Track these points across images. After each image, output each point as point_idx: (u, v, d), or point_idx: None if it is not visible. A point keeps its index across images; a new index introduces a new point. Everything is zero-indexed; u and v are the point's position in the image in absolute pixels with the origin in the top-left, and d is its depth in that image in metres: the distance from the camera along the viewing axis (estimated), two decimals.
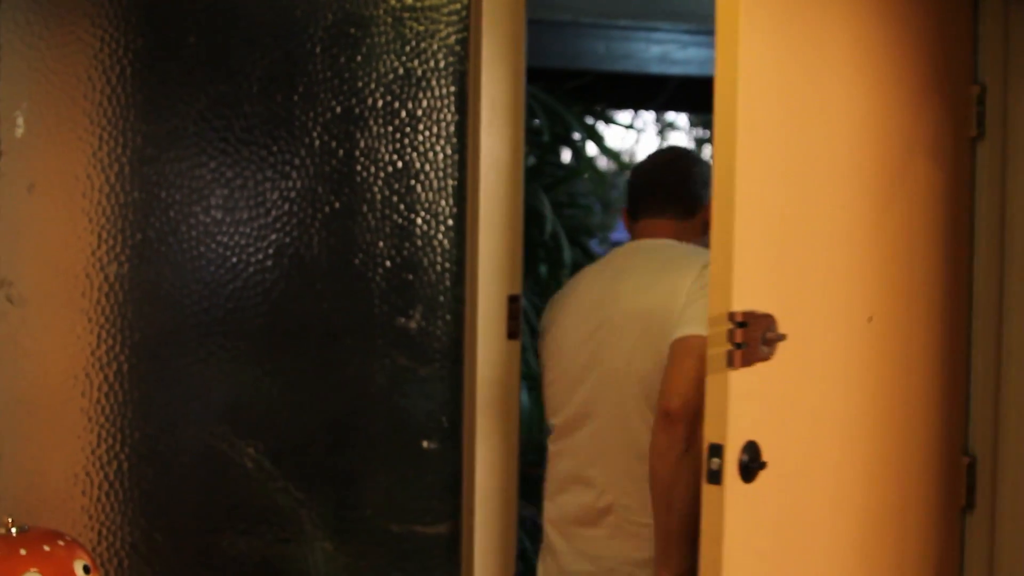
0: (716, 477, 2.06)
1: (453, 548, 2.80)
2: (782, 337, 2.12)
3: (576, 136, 5.21)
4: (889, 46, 2.47)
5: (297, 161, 2.74)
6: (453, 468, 2.81)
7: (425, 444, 2.80)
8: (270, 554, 2.75)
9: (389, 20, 2.76)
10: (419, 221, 2.78)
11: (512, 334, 2.75)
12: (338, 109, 2.75)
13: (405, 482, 2.80)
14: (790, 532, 2.24)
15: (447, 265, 2.80)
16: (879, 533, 2.51)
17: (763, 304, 2.11)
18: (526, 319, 4.40)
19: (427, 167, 2.78)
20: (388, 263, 2.78)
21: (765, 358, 2.09)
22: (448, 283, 2.80)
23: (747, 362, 2.06)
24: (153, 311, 2.70)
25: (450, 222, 2.79)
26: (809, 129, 2.26)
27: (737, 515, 2.07)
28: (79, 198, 2.66)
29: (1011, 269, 2.69)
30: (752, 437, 2.10)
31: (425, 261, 2.79)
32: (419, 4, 2.76)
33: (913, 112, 2.55)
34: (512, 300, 2.75)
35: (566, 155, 5.33)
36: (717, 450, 2.06)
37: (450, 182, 2.79)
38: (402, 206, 2.78)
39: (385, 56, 2.76)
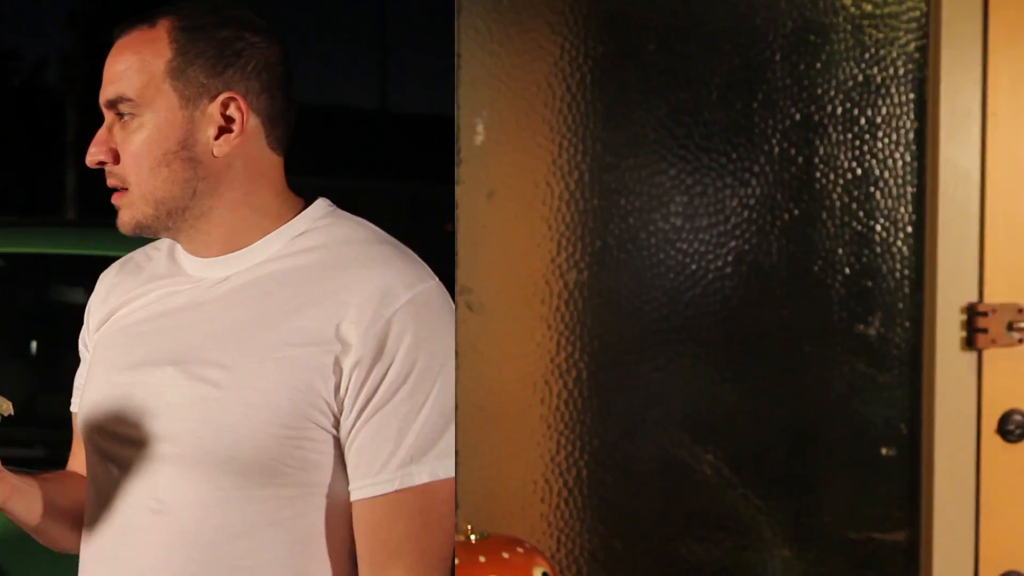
0: None
1: (912, 556, 2.78)
2: None
3: None
4: None
5: (756, 168, 2.73)
6: (911, 475, 2.79)
7: (884, 451, 2.79)
8: (728, 561, 2.74)
9: (848, 27, 2.75)
10: (878, 228, 2.77)
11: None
12: (797, 116, 2.74)
13: (863, 489, 2.79)
14: None
15: (905, 272, 2.78)
16: None
17: None
18: None
19: (886, 174, 2.77)
20: (847, 270, 2.77)
21: None
22: (906, 290, 2.78)
23: None
24: (612, 318, 2.69)
25: (909, 229, 2.78)
26: None
27: None
28: (538, 205, 2.66)
29: None
30: None
31: (884, 268, 2.77)
32: (878, 12, 2.75)
33: None
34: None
35: None
36: None
37: (909, 189, 2.77)
38: (861, 213, 2.77)
39: (844, 63, 2.75)
